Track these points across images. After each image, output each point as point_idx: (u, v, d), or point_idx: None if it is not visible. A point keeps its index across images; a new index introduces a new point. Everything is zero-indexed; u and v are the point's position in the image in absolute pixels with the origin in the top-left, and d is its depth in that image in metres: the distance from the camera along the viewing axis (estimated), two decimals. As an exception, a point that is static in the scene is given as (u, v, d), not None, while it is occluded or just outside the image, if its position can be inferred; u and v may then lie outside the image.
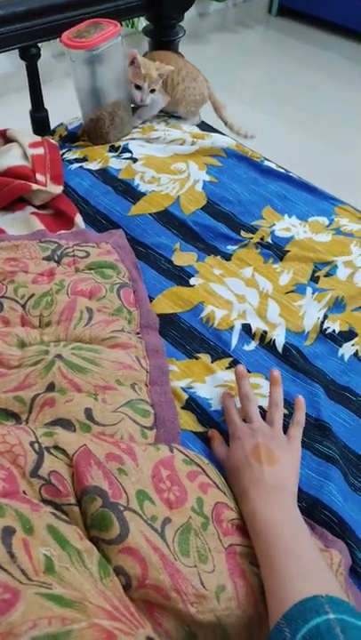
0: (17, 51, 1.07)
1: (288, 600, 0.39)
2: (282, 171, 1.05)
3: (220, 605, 0.43)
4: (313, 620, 0.37)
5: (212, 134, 1.09)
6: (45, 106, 1.20)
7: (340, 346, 0.75)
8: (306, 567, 0.43)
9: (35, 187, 0.89)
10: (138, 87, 1.06)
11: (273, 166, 1.06)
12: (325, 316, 0.78)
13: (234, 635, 0.43)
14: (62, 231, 0.89)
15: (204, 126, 1.19)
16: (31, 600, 0.35)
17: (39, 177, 0.92)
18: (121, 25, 0.99)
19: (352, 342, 0.75)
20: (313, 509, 0.56)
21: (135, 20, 2.30)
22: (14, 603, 0.34)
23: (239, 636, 0.43)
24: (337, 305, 0.80)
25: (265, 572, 0.44)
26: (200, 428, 0.64)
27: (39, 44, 1.09)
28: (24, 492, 0.44)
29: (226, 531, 0.48)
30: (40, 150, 0.97)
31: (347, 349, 0.75)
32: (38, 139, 1.01)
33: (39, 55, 1.10)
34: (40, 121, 1.20)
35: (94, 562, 0.42)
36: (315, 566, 0.44)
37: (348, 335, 0.76)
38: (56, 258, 0.81)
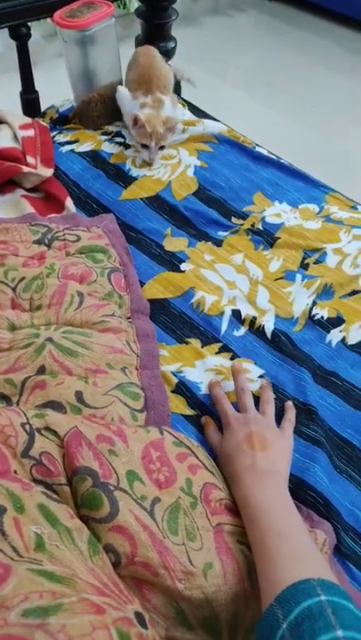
0: (7, 30, 1.05)
1: (281, 583, 0.40)
2: (273, 157, 1.05)
3: (208, 582, 0.44)
4: (305, 602, 0.37)
5: (204, 120, 1.08)
6: (36, 88, 1.18)
7: (328, 332, 0.76)
8: (298, 549, 0.44)
9: (25, 169, 0.88)
10: (145, 146, 0.97)
11: (265, 152, 1.06)
12: (314, 303, 0.79)
13: (220, 610, 0.44)
14: (53, 215, 0.89)
15: (195, 110, 1.18)
16: (22, 575, 0.36)
17: (29, 159, 0.91)
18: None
19: (340, 329, 0.76)
20: (299, 490, 0.57)
21: (127, 1, 2.26)
22: (6, 577, 0.35)
23: (226, 612, 0.44)
24: (326, 292, 0.81)
25: (258, 555, 0.45)
26: (190, 412, 0.65)
27: (29, 24, 1.07)
28: (15, 472, 0.45)
29: (214, 510, 0.49)
30: (30, 132, 0.96)
31: (334, 335, 0.76)
32: (29, 120, 1.00)
33: (29, 35, 1.08)
34: (30, 102, 1.19)
35: (84, 540, 0.42)
36: (306, 549, 0.45)
37: (336, 322, 0.77)
38: (46, 241, 0.80)
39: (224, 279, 0.82)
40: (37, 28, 2.13)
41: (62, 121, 1.12)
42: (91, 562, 0.41)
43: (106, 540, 0.43)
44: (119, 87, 1.03)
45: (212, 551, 0.46)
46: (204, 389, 0.67)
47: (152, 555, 0.43)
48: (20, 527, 0.40)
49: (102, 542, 0.43)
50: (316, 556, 0.44)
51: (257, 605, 0.44)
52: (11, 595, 0.34)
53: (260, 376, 0.69)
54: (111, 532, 0.43)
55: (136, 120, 0.95)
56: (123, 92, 1.02)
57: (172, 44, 1.24)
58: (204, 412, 0.65)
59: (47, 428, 0.50)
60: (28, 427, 0.49)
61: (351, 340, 0.75)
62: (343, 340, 0.75)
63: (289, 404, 0.65)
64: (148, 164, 0.98)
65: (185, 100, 1.20)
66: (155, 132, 0.94)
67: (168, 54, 1.23)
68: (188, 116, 1.13)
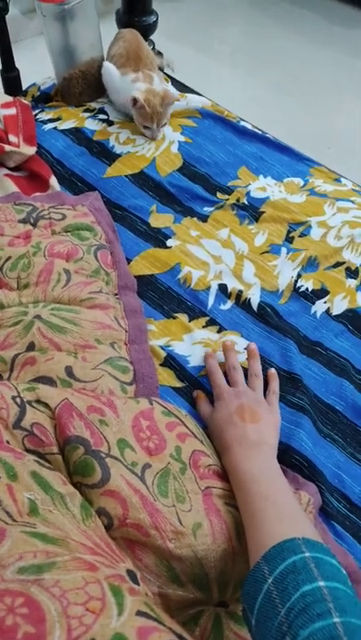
0: (-16, 5, 1.03)
1: (267, 542, 0.42)
2: (258, 131, 1.05)
3: (197, 541, 0.45)
4: (290, 559, 0.39)
5: (187, 95, 1.08)
6: (17, 66, 1.16)
7: (313, 303, 0.77)
8: (283, 511, 0.46)
9: (7, 148, 0.88)
10: (146, 127, 0.97)
11: (249, 127, 1.05)
12: (299, 275, 0.80)
13: (210, 567, 0.46)
14: (37, 193, 0.88)
15: (178, 85, 1.17)
16: (17, 537, 0.37)
17: (12, 138, 0.90)
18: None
19: (324, 300, 0.78)
20: (285, 455, 0.59)
21: (108, -26, 2.21)
22: (1, 540, 0.37)
23: (215, 569, 0.46)
24: (310, 264, 0.82)
25: (245, 518, 0.47)
26: (179, 384, 0.67)
27: (7, -2, 1.05)
28: (8, 443, 0.46)
29: (203, 475, 0.51)
30: (12, 111, 0.95)
31: (319, 307, 0.77)
32: (10, 99, 0.99)
33: (7, 10, 1.06)
34: (11, 81, 1.17)
35: (77, 504, 0.44)
36: (291, 510, 0.46)
37: (321, 293, 0.78)
38: (32, 220, 0.80)
39: (210, 254, 0.82)
40: (16, 4, 2.08)
41: (44, 99, 1.10)
42: (83, 525, 0.43)
43: (98, 504, 0.45)
44: (105, 63, 1.01)
45: (201, 512, 0.47)
46: (192, 362, 0.69)
47: (143, 516, 0.44)
48: (13, 493, 0.41)
49: (95, 506, 0.45)
50: (300, 517, 0.46)
51: (245, 563, 0.46)
52: (6, 555, 0.35)
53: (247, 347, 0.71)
54: (103, 496, 0.45)
55: (135, 101, 0.94)
56: (109, 69, 1.00)
57: (153, 18, 1.22)
58: (192, 384, 0.67)
59: (38, 401, 0.51)
60: (18, 399, 0.50)
61: (335, 311, 0.77)
62: (328, 311, 0.77)
63: (272, 373, 0.66)
64: (131, 140, 0.98)
65: (168, 75, 1.19)
66: (155, 112, 0.94)
67: (149, 29, 1.22)
68: (172, 91, 1.12)
